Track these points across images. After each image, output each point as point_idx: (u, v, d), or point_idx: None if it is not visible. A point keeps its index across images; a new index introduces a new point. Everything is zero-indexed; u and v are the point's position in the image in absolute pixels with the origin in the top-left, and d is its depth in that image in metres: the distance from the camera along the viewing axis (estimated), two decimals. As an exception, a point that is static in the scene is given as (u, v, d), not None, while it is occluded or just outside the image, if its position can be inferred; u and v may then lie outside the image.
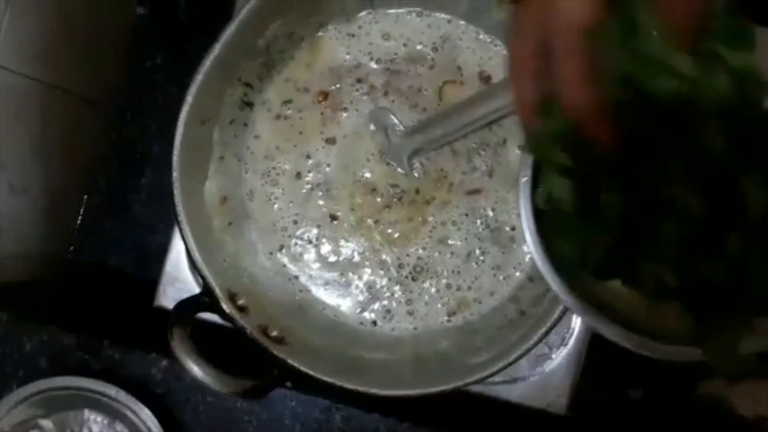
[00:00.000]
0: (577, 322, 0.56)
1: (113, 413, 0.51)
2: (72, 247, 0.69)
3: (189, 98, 0.44)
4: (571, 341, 0.55)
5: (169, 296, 0.56)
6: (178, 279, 0.56)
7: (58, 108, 0.64)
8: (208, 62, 0.44)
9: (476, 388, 0.54)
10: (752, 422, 0.61)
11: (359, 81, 0.50)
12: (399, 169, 0.50)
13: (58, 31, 0.61)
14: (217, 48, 0.44)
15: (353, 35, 0.50)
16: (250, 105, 0.50)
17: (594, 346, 0.56)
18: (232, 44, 0.45)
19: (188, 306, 0.45)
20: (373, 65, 0.50)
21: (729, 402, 0.66)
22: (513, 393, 0.55)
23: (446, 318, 0.50)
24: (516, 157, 0.50)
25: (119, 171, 0.70)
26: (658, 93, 0.23)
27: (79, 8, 0.63)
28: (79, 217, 0.69)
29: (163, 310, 0.54)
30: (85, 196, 0.70)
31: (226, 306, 0.45)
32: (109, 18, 0.68)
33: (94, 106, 0.69)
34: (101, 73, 0.69)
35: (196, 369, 0.41)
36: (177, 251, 0.55)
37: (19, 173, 0.60)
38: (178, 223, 0.45)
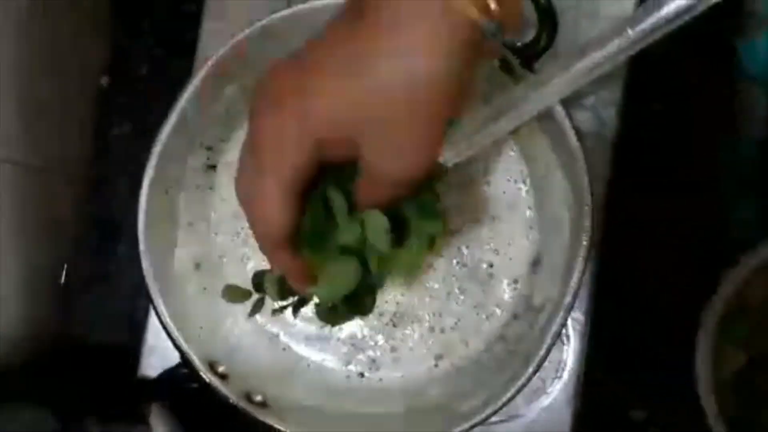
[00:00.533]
0: (569, 353, 0.55)
1: (102, 495, 0.50)
2: (53, 324, 0.68)
3: (149, 170, 0.44)
4: (566, 373, 0.55)
5: (152, 366, 0.55)
6: (161, 347, 0.55)
7: (33, 186, 0.64)
8: (164, 133, 0.44)
9: (475, 431, 0.53)
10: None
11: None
12: None
13: (28, 111, 0.61)
14: (172, 118, 0.44)
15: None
16: (213, 167, 0.50)
17: (590, 373, 0.55)
18: (189, 112, 0.45)
19: (167, 378, 0.44)
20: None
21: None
22: (513, 431, 0.54)
23: (434, 363, 0.49)
24: (483, 192, 0.49)
25: (97, 242, 0.70)
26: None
27: (46, 85, 0.63)
28: (60, 292, 0.69)
29: (147, 381, 0.53)
30: (64, 270, 0.69)
31: (205, 376, 0.44)
32: (75, 91, 0.68)
33: (67, 179, 0.69)
34: (72, 146, 0.69)
35: (177, 446, 0.40)
36: (157, 320, 0.55)
37: (-6, 255, 0.60)
38: (149, 295, 0.44)
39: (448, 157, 0.46)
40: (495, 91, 0.47)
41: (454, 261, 0.50)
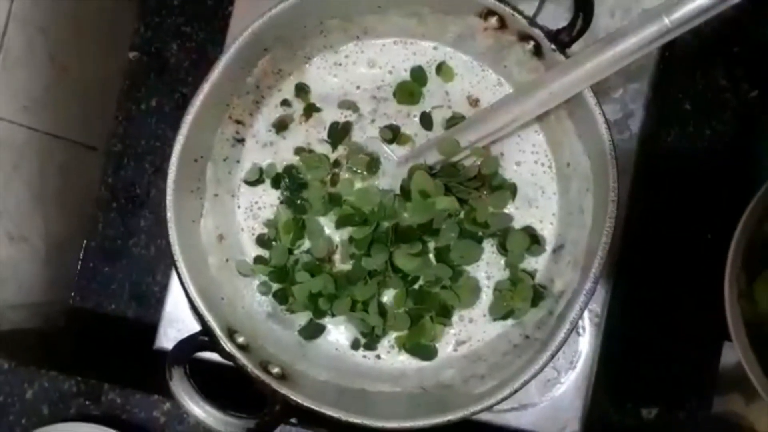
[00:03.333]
0: (585, 345, 0.55)
1: (116, 459, 0.50)
2: (73, 293, 0.69)
3: (180, 138, 0.44)
4: (580, 364, 0.54)
5: (170, 337, 0.56)
6: (179, 320, 0.56)
7: (55, 156, 0.65)
8: (197, 102, 0.44)
9: (486, 417, 0.53)
10: (770, 439, 0.60)
11: (347, 109, 0.50)
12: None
13: (52, 80, 0.62)
14: (205, 88, 0.44)
15: (339, 64, 0.51)
16: (242, 141, 0.50)
17: (604, 367, 0.55)
18: (221, 83, 0.45)
19: (186, 345, 0.44)
20: (360, 93, 0.50)
21: (746, 419, 0.64)
22: (523, 420, 0.54)
23: (453, 348, 0.50)
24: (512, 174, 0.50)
25: (118, 215, 0.71)
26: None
27: (72, 56, 0.64)
28: (80, 263, 0.69)
29: (164, 352, 0.53)
30: (85, 241, 0.70)
31: (225, 344, 0.44)
32: (102, 64, 0.69)
33: (91, 152, 0.70)
34: (97, 118, 0.70)
35: (196, 409, 0.40)
36: (176, 292, 0.55)
37: (18, 222, 0.60)
38: (174, 262, 0.45)
39: (475, 138, 0.47)
40: (526, 75, 0.47)
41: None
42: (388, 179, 0.49)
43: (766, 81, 0.66)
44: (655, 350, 0.65)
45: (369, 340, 0.49)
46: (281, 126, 0.50)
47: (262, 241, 0.50)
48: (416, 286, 0.49)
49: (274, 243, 0.49)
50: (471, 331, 0.49)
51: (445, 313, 0.49)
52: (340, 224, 0.49)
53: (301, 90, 0.50)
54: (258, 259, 0.50)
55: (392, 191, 0.49)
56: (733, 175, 0.66)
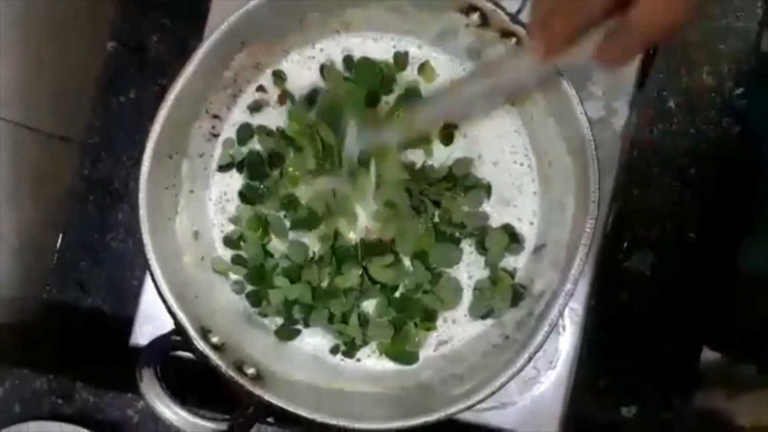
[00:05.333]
0: (565, 344, 0.55)
1: (88, 459, 0.49)
2: (47, 287, 0.67)
3: (154, 133, 0.43)
4: (559, 363, 0.54)
5: (145, 334, 0.55)
6: (155, 316, 0.55)
7: (30, 147, 0.63)
8: (172, 96, 0.43)
9: (466, 416, 0.53)
10: (751, 433, 0.60)
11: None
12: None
13: (26, 70, 0.60)
14: (180, 83, 0.43)
15: (314, 57, 0.49)
16: (217, 136, 0.49)
17: (584, 365, 0.55)
18: (197, 78, 0.44)
19: (158, 346, 0.43)
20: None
21: (727, 414, 0.65)
22: (503, 419, 0.53)
23: (433, 349, 0.49)
24: (489, 173, 0.49)
25: (95, 208, 0.69)
26: None
27: (47, 45, 0.62)
28: (55, 256, 0.68)
29: (139, 350, 0.52)
30: (61, 235, 0.69)
31: (198, 344, 0.43)
32: (79, 55, 0.68)
33: (67, 144, 0.68)
34: (73, 110, 0.68)
35: (167, 412, 0.40)
36: (153, 288, 0.54)
37: (-9, 215, 0.59)
38: (147, 260, 0.44)
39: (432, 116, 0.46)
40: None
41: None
42: (351, 146, 0.47)
43: (752, 79, 0.66)
44: (634, 348, 0.65)
45: (348, 348, 0.48)
46: (256, 108, 0.49)
47: (230, 240, 0.49)
48: (397, 294, 0.48)
49: (242, 243, 0.49)
50: (453, 331, 0.49)
51: (429, 318, 0.48)
52: (294, 226, 0.48)
53: (278, 77, 0.49)
54: (236, 259, 0.49)
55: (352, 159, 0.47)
56: (718, 173, 0.65)
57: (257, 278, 0.48)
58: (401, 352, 0.48)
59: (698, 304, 0.65)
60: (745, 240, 0.63)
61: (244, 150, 0.49)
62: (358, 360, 0.49)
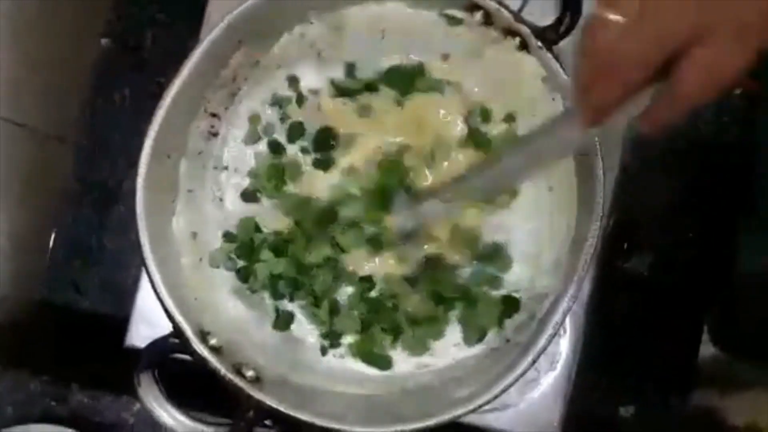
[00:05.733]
0: (565, 345, 0.54)
1: (84, 463, 0.49)
2: (41, 287, 0.66)
3: (152, 132, 0.43)
4: (559, 365, 0.54)
5: (141, 335, 0.54)
6: (151, 317, 0.54)
7: (23, 146, 0.62)
8: (170, 95, 0.43)
9: (465, 417, 0.52)
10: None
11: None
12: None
13: (18, 68, 0.59)
14: (179, 80, 0.43)
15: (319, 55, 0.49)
16: (216, 135, 0.48)
17: (583, 366, 0.55)
18: (196, 76, 0.43)
19: (157, 349, 0.43)
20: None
21: (721, 413, 0.65)
22: (503, 421, 0.53)
23: (415, 367, 0.48)
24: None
25: (90, 208, 0.69)
26: None
27: (39, 43, 0.61)
28: (48, 256, 0.67)
29: (135, 351, 0.52)
30: (54, 235, 0.68)
31: (197, 347, 0.43)
32: (71, 52, 0.67)
33: (61, 143, 0.67)
34: (67, 108, 0.67)
35: (165, 416, 0.39)
36: (148, 289, 0.53)
37: (-19, 214, 0.58)
38: (144, 261, 0.43)
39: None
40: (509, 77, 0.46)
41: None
42: (401, 218, 0.47)
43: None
44: (633, 348, 0.65)
45: (328, 339, 0.48)
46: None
47: (246, 194, 0.49)
48: (372, 294, 0.48)
49: (258, 194, 0.48)
50: (439, 358, 0.49)
51: (395, 332, 0.48)
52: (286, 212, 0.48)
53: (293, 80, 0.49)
54: (227, 236, 0.48)
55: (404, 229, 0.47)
56: (715, 175, 0.65)
57: (247, 253, 0.48)
58: (371, 354, 0.48)
59: (697, 304, 0.65)
60: (743, 239, 0.63)
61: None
62: (342, 357, 0.48)
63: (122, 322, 0.55)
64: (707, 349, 0.65)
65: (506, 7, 0.43)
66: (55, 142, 0.66)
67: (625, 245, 0.65)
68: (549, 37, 0.41)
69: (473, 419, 0.53)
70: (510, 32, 0.44)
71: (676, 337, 0.66)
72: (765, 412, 0.60)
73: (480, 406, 0.43)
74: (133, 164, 0.43)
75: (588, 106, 0.32)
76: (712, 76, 0.29)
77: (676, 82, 0.30)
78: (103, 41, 0.68)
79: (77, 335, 0.65)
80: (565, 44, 0.42)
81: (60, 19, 0.64)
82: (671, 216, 0.66)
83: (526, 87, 0.45)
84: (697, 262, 0.65)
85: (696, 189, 0.65)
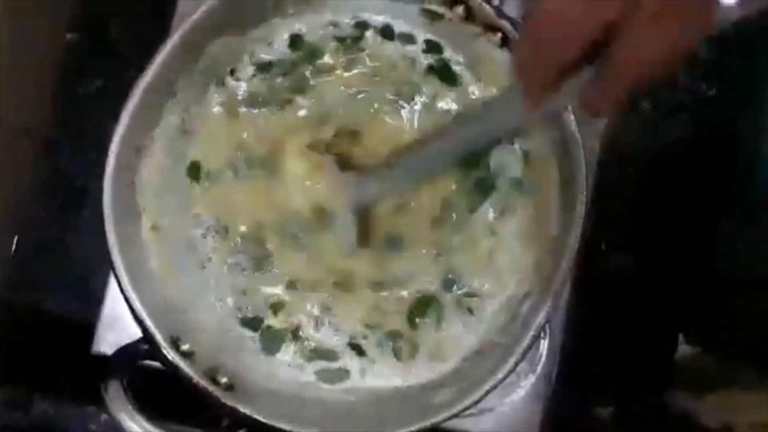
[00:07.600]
0: (545, 347, 0.54)
1: (47, 476, 0.47)
2: (3, 289, 0.64)
3: (120, 127, 0.41)
4: (539, 367, 0.54)
5: (108, 341, 0.52)
6: (119, 322, 0.52)
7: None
8: (140, 87, 0.41)
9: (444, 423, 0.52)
10: (719, 432, 0.61)
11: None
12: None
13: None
14: (151, 71, 0.41)
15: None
16: (187, 132, 0.47)
17: (562, 368, 0.54)
18: (169, 66, 0.42)
19: (126, 355, 0.41)
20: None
21: (698, 413, 0.65)
22: (481, 425, 0.53)
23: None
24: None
25: (56, 205, 0.66)
26: None
27: (4, 37, 0.59)
28: (11, 256, 0.64)
29: (102, 357, 0.50)
30: (17, 234, 0.65)
31: (167, 352, 0.41)
32: (37, 44, 0.64)
33: (25, 136, 0.65)
34: (31, 103, 0.65)
35: (134, 427, 0.37)
36: (116, 291, 0.52)
37: (-61, 213, 0.55)
38: (111, 262, 0.41)
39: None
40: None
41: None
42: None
43: (725, 81, 0.67)
44: (612, 349, 0.65)
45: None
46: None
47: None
48: None
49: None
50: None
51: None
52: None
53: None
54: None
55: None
56: (690, 176, 0.66)
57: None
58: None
59: (675, 304, 0.65)
60: (722, 236, 0.63)
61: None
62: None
63: (89, 327, 0.53)
64: (685, 350, 0.66)
65: (488, 2, 0.42)
66: (22, 134, 0.64)
67: (603, 245, 0.65)
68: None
69: (450, 423, 0.52)
70: (491, 28, 0.43)
71: (654, 338, 0.66)
72: (741, 412, 0.60)
73: (461, 411, 0.42)
74: (103, 160, 0.42)
75: (526, 84, 0.31)
76: (643, 57, 0.28)
77: (608, 65, 0.29)
78: (69, 35, 0.65)
79: (41, 340, 0.62)
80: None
81: (26, 9, 0.62)
82: (650, 216, 0.66)
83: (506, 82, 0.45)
84: (676, 261, 0.65)
85: (675, 187, 0.66)
